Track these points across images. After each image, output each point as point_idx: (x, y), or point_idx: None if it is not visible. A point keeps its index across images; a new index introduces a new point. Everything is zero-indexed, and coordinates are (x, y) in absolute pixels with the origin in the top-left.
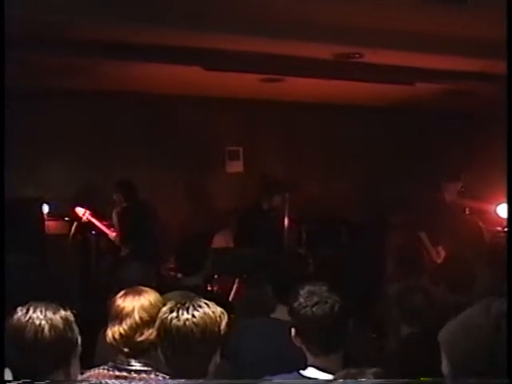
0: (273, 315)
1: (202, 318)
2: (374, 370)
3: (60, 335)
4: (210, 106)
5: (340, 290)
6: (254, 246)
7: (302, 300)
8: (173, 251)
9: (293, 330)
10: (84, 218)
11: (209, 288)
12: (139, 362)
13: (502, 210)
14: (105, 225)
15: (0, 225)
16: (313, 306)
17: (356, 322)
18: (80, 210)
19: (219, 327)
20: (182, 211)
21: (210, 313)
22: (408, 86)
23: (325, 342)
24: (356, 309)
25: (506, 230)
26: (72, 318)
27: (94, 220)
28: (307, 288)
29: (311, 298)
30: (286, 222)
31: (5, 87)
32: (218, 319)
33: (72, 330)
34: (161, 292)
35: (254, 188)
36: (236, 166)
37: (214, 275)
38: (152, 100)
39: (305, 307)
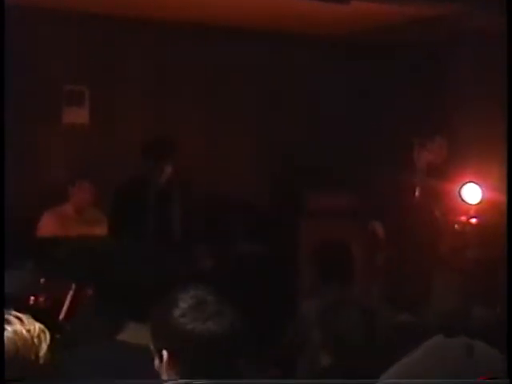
0: (121, 337)
1: (10, 339)
2: None
3: None
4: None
5: (238, 301)
6: (105, 235)
7: (186, 309)
8: None
9: (165, 354)
10: None
11: (31, 297)
12: None
13: (467, 193)
14: None
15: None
16: (207, 319)
17: (254, 349)
18: None
19: (37, 353)
20: None
21: (24, 332)
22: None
23: (213, 374)
24: (254, 328)
25: (472, 220)
26: None
27: None
28: (193, 293)
29: (203, 307)
30: (153, 204)
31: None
32: (36, 341)
33: None
34: None
35: (106, 148)
36: (78, 115)
37: (39, 278)
38: None
39: (193, 320)
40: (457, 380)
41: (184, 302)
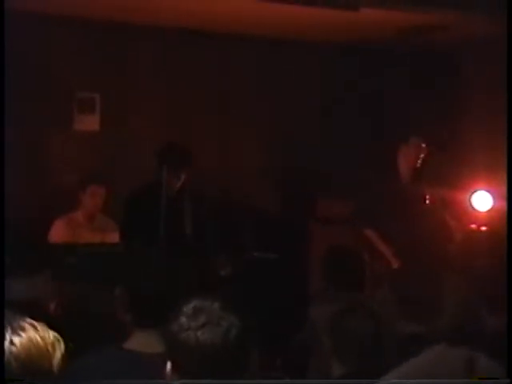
0: (129, 345)
1: (25, 346)
2: None
3: None
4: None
5: (242, 308)
6: (115, 243)
7: (183, 320)
8: None
9: (168, 365)
10: None
11: (44, 305)
12: None
13: (478, 201)
14: None
15: (0, 225)
16: (198, 328)
17: (263, 357)
18: None
19: (51, 361)
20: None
21: (38, 339)
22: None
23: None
24: (264, 337)
25: (483, 228)
26: None
27: None
28: (194, 303)
29: (197, 317)
30: (163, 210)
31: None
32: (50, 349)
33: None
34: None
35: (116, 154)
36: (89, 122)
37: (52, 285)
38: None
39: (187, 329)
40: (456, 380)
41: (184, 313)
